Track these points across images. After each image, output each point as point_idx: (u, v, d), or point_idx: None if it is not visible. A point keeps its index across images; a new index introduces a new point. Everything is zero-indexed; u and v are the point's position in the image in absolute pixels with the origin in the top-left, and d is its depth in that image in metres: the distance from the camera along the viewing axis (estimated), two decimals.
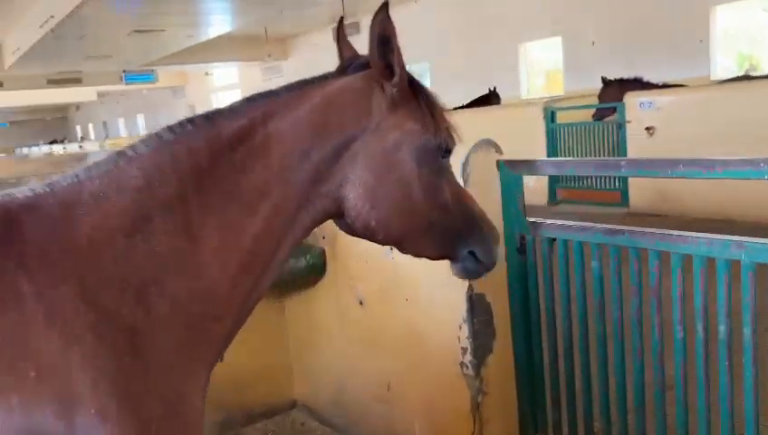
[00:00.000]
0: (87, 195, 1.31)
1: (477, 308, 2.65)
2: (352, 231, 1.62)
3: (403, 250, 1.69)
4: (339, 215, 1.58)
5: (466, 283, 2.61)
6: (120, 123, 39.09)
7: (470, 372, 2.69)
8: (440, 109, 1.62)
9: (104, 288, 1.24)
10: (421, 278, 2.85)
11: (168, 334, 1.29)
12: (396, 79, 1.52)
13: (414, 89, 1.57)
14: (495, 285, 2.69)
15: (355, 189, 1.52)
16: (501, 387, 2.74)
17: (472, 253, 1.69)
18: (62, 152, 20.55)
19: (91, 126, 43.37)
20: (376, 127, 1.52)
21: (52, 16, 14.29)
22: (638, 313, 2.33)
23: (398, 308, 3.03)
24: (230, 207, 1.40)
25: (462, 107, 12.35)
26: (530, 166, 2.64)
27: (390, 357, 3.15)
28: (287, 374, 3.98)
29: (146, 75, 21.34)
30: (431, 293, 2.82)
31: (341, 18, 1.70)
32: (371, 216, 1.54)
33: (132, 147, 1.41)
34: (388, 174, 1.53)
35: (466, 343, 2.67)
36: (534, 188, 9.18)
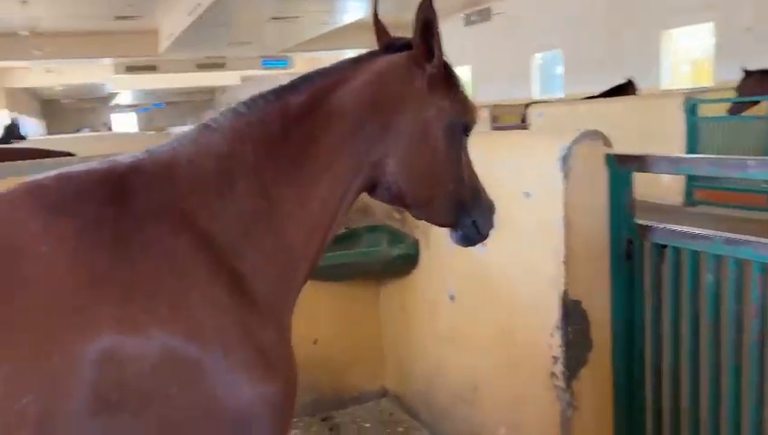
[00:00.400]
0: (182, 159, 1.48)
1: (572, 315, 2.43)
2: (382, 196, 1.75)
3: (419, 214, 1.82)
4: (377, 183, 1.70)
5: (561, 287, 2.40)
6: None
7: (560, 383, 2.48)
8: (465, 91, 1.77)
9: (208, 240, 1.40)
10: (514, 278, 2.68)
11: (264, 280, 1.47)
12: (435, 61, 1.64)
13: (446, 72, 1.69)
14: (594, 291, 2.45)
15: (395, 158, 1.66)
16: (594, 403, 2.50)
17: (474, 223, 1.82)
18: None
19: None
20: (416, 103, 1.65)
21: (199, 4, 15.29)
22: (760, 337, 2.01)
23: (488, 307, 2.87)
24: (299, 173, 1.55)
25: (594, 97, 11.66)
26: (641, 162, 2.36)
27: (478, 357, 3.00)
28: (379, 362, 3.95)
29: (282, 61, 22.29)
30: (523, 294, 2.64)
31: (376, 1, 1.80)
32: (404, 182, 1.68)
33: (214, 120, 1.57)
34: (423, 146, 1.67)
35: (558, 351, 2.46)
36: (669, 186, 8.46)
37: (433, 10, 1.59)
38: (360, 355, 3.91)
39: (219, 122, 1.54)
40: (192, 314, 1.33)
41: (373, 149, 1.63)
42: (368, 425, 3.69)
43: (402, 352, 3.75)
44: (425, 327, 3.44)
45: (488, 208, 1.86)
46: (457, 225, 1.84)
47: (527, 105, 12.84)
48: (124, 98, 41.21)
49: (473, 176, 1.82)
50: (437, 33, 1.62)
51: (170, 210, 1.40)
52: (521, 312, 2.67)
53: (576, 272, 2.41)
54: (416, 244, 3.33)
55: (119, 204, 1.37)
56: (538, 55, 18.39)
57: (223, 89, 41.36)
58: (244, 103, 1.58)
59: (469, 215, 1.81)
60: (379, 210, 3.75)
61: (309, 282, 3.72)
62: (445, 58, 1.67)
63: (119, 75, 24.30)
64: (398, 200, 1.75)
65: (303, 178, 1.56)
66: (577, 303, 2.42)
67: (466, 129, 1.75)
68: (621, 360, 2.48)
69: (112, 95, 39.25)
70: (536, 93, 18.22)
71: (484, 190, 1.85)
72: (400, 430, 3.61)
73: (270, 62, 22.22)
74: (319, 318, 3.74)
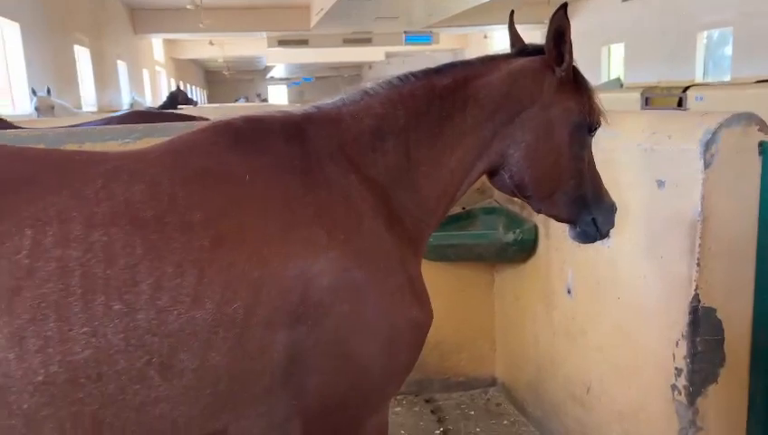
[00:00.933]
0: (346, 115, 1.71)
1: (703, 324, 2.13)
2: (504, 185, 1.90)
3: (539, 207, 1.94)
4: (497, 170, 1.86)
5: (692, 290, 2.11)
6: None
7: (682, 398, 2.19)
8: (593, 94, 1.90)
9: (369, 182, 1.64)
10: (639, 276, 2.40)
11: (407, 223, 1.69)
12: (564, 65, 1.81)
13: (575, 75, 1.86)
14: (734, 298, 2.13)
15: (519, 150, 1.82)
16: (722, 426, 2.19)
17: (594, 220, 1.94)
18: None
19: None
20: (544, 102, 1.81)
21: None
22: None
23: (608, 305, 2.61)
24: (435, 144, 1.76)
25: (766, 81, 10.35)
26: None
27: (593, 357, 2.75)
28: (490, 350, 3.80)
29: (424, 36, 22.13)
30: (649, 295, 2.35)
31: (512, 12, 1.97)
32: (527, 173, 1.83)
33: (372, 87, 1.79)
34: (547, 141, 1.82)
35: (682, 363, 2.18)
36: None
37: (566, 20, 1.76)
38: (471, 341, 3.77)
39: (376, 90, 1.77)
40: (362, 241, 1.55)
41: (500, 137, 1.81)
42: (472, 413, 3.56)
43: (514, 342, 3.57)
44: (539, 319, 3.23)
45: (609, 207, 1.96)
46: (576, 221, 1.96)
47: (686, 88, 11.72)
48: (278, 71, 43.37)
49: (595, 174, 1.94)
50: (569, 41, 1.78)
51: (340, 154, 1.63)
52: (644, 314, 2.39)
53: (712, 275, 2.10)
54: (534, 230, 3.12)
55: (299, 145, 1.59)
56: (704, 33, 16.71)
57: (369, 65, 42.17)
58: (398, 78, 1.79)
59: (589, 212, 1.93)
60: (498, 191, 3.56)
61: (423, 259, 3.62)
62: (574, 64, 1.84)
63: (272, 48, 25.52)
64: (518, 190, 1.88)
65: (438, 147, 1.76)
66: (710, 310, 2.11)
67: (591, 129, 1.88)
68: (762, 380, 2.15)
69: (268, 68, 41.44)
70: (699, 75, 16.60)
71: (605, 190, 1.96)
72: (506, 423, 3.45)
73: (413, 37, 22.15)
74: (432, 296, 3.64)
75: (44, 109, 8.41)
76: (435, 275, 3.55)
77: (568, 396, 2.99)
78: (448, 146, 1.76)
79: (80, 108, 12.60)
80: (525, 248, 3.15)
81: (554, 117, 1.81)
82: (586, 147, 1.88)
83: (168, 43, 28.66)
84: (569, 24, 1.76)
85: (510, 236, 3.12)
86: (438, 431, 3.34)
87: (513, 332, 3.58)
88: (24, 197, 1.25)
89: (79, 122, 5.35)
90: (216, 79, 45.81)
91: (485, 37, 28.28)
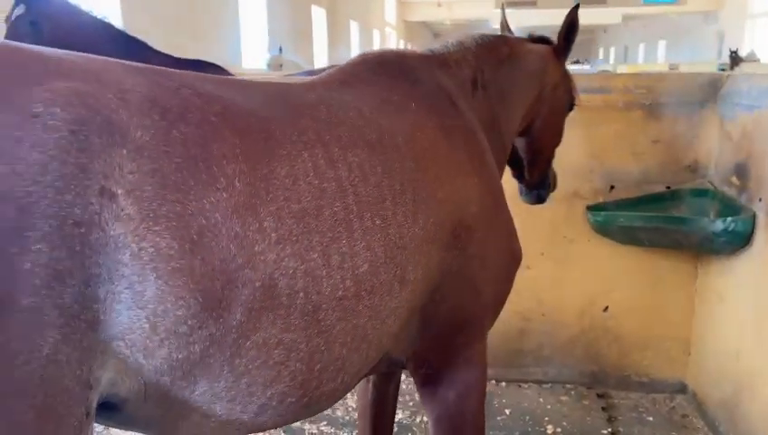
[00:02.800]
0: (452, 61, 1.88)
1: None
2: (521, 149, 2.26)
3: (531, 174, 2.31)
4: (524, 132, 2.21)
5: None
6: (640, 49, 38.10)
7: None
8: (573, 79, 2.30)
9: (469, 123, 1.72)
10: None
11: (492, 161, 1.78)
12: (567, 54, 2.20)
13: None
14: None
15: (540, 120, 2.19)
16: None
17: (548, 186, 2.38)
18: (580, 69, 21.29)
19: (612, 49, 43.59)
20: (554, 82, 2.18)
21: None
22: None
23: None
24: (505, 97, 1.99)
25: None
26: None
27: None
28: (683, 353, 3.30)
29: None
30: None
31: (503, 4, 2.55)
32: (539, 140, 2.23)
33: (461, 40, 1.98)
34: (555, 114, 2.24)
35: None
36: None
37: (578, 19, 2.10)
38: (659, 339, 3.31)
39: (466, 43, 1.97)
40: (488, 172, 1.67)
41: (532, 106, 2.12)
42: (650, 419, 3.15)
43: (713, 347, 3.05)
44: (746, 324, 2.71)
45: (554, 177, 2.42)
46: (540, 186, 2.35)
47: None
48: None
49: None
50: (575, 36, 2.15)
51: (457, 92, 1.77)
52: None
53: None
54: (751, 221, 2.57)
55: (436, 80, 1.72)
56: None
57: (604, 28, 39.33)
58: (478, 36, 2.01)
59: (547, 178, 2.36)
60: (714, 170, 3.01)
61: (608, 241, 3.26)
62: None
63: (500, 10, 25.00)
64: (534, 154, 2.26)
65: (507, 104, 2.00)
66: None
67: (571, 108, 2.31)
68: None
69: (495, 31, 40.79)
70: None
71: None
72: None
73: None
74: (614, 284, 3.27)
75: (274, 66, 9.23)
76: (623, 260, 3.19)
77: None
78: (512, 103, 2.03)
79: (311, 65, 13.59)
80: (736, 241, 2.62)
81: (559, 96, 2.20)
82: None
83: (400, 5, 29.56)
84: (578, 23, 2.12)
85: (718, 225, 2.61)
86: (606, 432, 3.01)
87: (712, 337, 3.06)
88: (278, 123, 1.26)
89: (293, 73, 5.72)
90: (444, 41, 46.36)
91: None
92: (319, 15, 16.61)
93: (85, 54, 1.13)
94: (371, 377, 1.99)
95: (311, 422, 3.09)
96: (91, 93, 1.02)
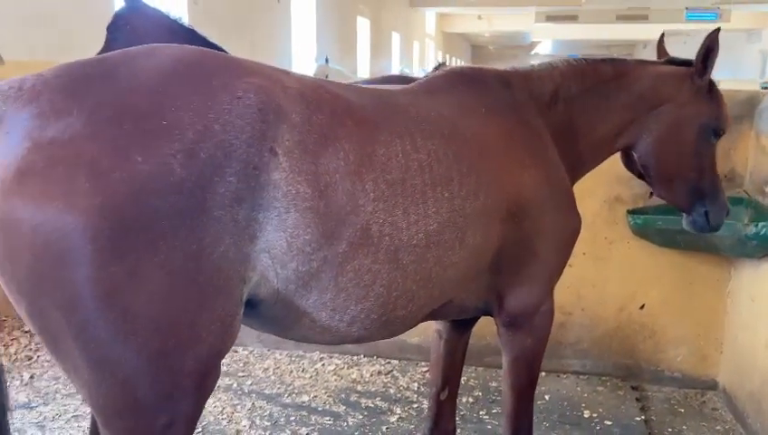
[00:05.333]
0: (535, 76, 2.17)
1: None
2: (632, 164, 2.37)
3: (659, 191, 2.39)
4: (629, 150, 2.33)
5: None
6: None
7: None
8: (724, 105, 2.30)
9: (546, 128, 2.09)
10: None
11: (564, 165, 2.12)
12: (705, 77, 2.24)
13: (711, 87, 2.27)
14: None
15: (650, 135, 2.27)
16: None
17: (706, 213, 2.33)
18: None
19: None
20: (679, 101, 2.24)
21: None
22: None
23: None
24: (593, 115, 2.23)
25: None
26: None
27: None
28: (715, 351, 3.53)
29: (710, 14, 19.75)
30: None
31: (662, 33, 2.60)
32: (652, 156, 2.28)
33: (554, 62, 2.27)
34: (675, 133, 2.25)
35: None
36: None
37: (717, 43, 2.19)
38: (693, 337, 3.54)
39: (557, 64, 2.25)
40: (548, 166, 2.02)
41: (638, 123, 2.25)
42: (682, 410, 3.38)
43: (744, 346, 3.27)
44: None
45: (722, 205, 2.34)
46: (690, 210, 2.35)
47: None
48: (543, 47, 42.50)
49: (714, 173, 2.32)
50: (714, 59, 2.20)
51: (530, 103, 2.10)
52: None
53: None
54: None
55: (507, 91, 2.08)
56: None
57: (644, 43, 39.05)
58: (575, 59, 2.27)
59: (703, 205, 2.31)
60: (749, 180, 3.25)
61: (646, 243, 3.51)
62: (711, 77, 2.26)
63: (539, 24, 25.12)
64: (643, 170, 2.32)
65: (594, 118, 2.23)
66: None
67: (717, 133, 2.28)
68: None
69: (534, 44, 40.88)
70: None
71: (722, 189, 2.34)
72: (719, 428, 3.22)
73: (696, 14, 19.91)
74: (651, 283, 3.52)
75: (320, 75, 9.61)
76: (657, 260, 3.45)
77: None
78: (601, 119, 2.22)
79: (355, 74, 13.99)
80: (767, 245, 2.86)
81: (686, 116, 2.23)
82: (710, 147, 2.28)
83: (440, 17, 29.90)
84: (718, 46, 2.18)
85: (751, 230, 2.86)
86: (639, 419, 3.25)
87: (744, 336, 3.28)
88: (380, 117, 1.71)
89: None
90: (481, 53, 46.53)
91: None
92: (363, 26, 17.06)
93: (259, 63, 1.58)
94: (443, 334, 2.38)
95: (367, 397, 3.40)
96: (269, 87, 1.48)
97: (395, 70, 18.51)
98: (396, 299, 1.68)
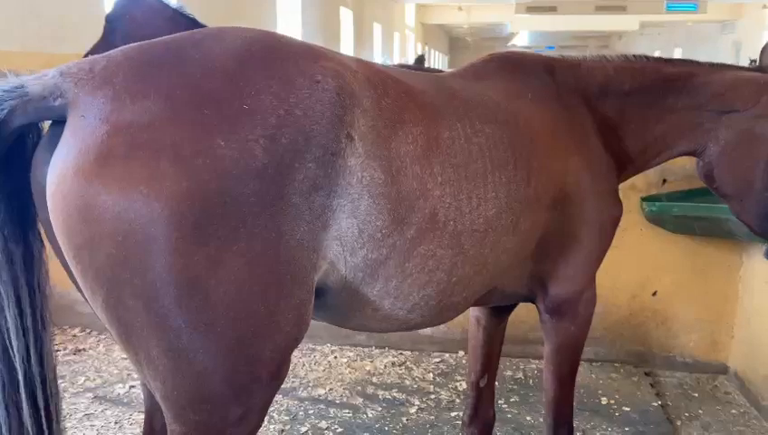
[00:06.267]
0: (584, 67, 2.11)
1: None
2: (699, 171, 2.22)
3: (732, 207, 2.21)
4: (697, 157, 2.20)
5: None
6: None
7: None
8: None
9: (591, 116, 2.05)
10: None
11: (609, 156, 2.09)
12: None
13: None
14: None
15: (717, 144, 2.12)
16: None
17: None
18: None
19: None
20: (755, 112, 2.06)
21: None
22: None
23: None
24: (647, 112, 2.14)
25: None
26: None
27: None
28: (726, 336, 3.57)
29: (689, 4, 20.00)
30: None
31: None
32: (717, 167, 2.13)
33: (611, 56, 2.19)
34: (745, 146, 2.09)
35: None
36: None
37: None
38: (705, 322, 3.58)
39: (614, 58, 2.19)
40: (589, 153, 1.99)
41: (704, 129, 2.12)
42: (696, 395, 3.42)
43: (757, 330, 3.32)
44: None
45: None
46: (765, 234, 2.18)
47: None
48: (521, 39, 42.71)
49: None
50: None
51: (575, 91, 2.06)
52: None
53: None
54: None
55: (552, 77, 2.05)
56: None
57: (619, 35, 39.47)
58: (634, 56, 2.18)
59: None
60: None
61: (658, 231, 3.53)
62: None
63: (518, 15, 25.19)
64: (706, 179, 2.19)
65: (648, 116, 2.13)
66: None
67: None
68: None
69: (512, 35, 41.05)
70: None
71: None
72: (734, 412, 3.26)
73: (675, 5, 20.15)
74: (664, 270, 3.54)
75: None
76: (672, 248, 3.47)
77: None
78: (656, 118, 2.13)
79: None
80: None
81: (760, 128, 2.05)
82: None
83: (420, 8, 29.83)
84: None
85: None
86: (656, 404, 3.28)
87: (756, 321, 3.32)
88: (439, 101, 1.69)
89: None
90: (459, 45, 46.58)
91: (765, 7, 24.60)
92: (347, 17, 16.95)
93: (320, 46, 1.54)
94: (482, 320, 2.37)
95: (383, 389, 3.38)
96: (342, 72, 1.44)
97: (376, 60, 18.45)
98: (454, 285, 1.68)
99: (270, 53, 1.39)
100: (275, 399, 3.24)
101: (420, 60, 14.40)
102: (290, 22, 12.49)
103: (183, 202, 1.19)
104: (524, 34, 39.63)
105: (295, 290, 1.35)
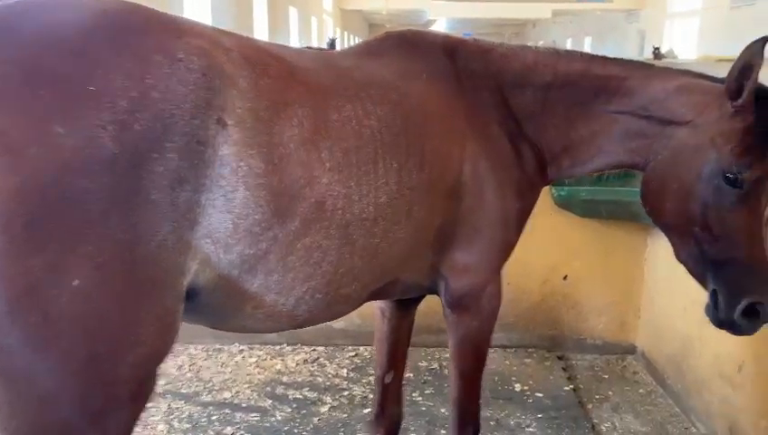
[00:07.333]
0: (497, 52, 1.96)
1: None
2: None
3: (671, 240, 1.91)
4: (635, 168, 1.95)
5: None
6: (567, 44, 39.58)
7: None
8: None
9: (500, 104, 1.91)
10: None
11: (524, 149, 1.95)
12: (739, 102, 1.67)
13: (760, 121, 1.65)
14: None
15: (655, 161, 1.82)
16: None
17: (714, 294, 1.72)
18: None
19: (541, 44, 45.01)
20: (695, 126, 1.74)
21: None
22: None
23: None
24: (573, 108, 1.94)
25: None
26: None
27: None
28: (633, 317, 3.63)
29: None
30: None
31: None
32: (648, 187, 1.86)
33: (536, 46, 2.07)
34: (681, 167, 1.74)
35: None
36: None
37: (759, 58, 1.61)
38: (614, 304, 3.63)
39: (538, 49, 2.03)
40: (487, 141, 1.84)
41: (643, 140, 1.85)
42: (606, 376, 3.46)
43: (661, 310, 3.38)
44: (691, 288, 3.01)
45: (742, 289, 1.65)
46: (701, 283, 1.81)
47: None
48: (438, 26, 43.12)
49: (744, 242, 1.66)
50: (754, 78, 1.63)
51: (482, 75, 1.91)
52: None
53: None
54: None
55: (452, 59, 1.89)
56: None
57: (533, 23, 40.57)
58: (566, 51, 2.01)
59: (715, 281, 1.71)
60: None
61: (567, 215, 3.52)
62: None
63: (437, 2, 25.37)
64: (641, 199, 1.91)
65: (574, 112, 1.94)
66: None
67: (735, 181, 1.65)
68: None
69: (430, 22, 41.40)
70: None
71: (759, 267, 1.66)
72: (641, 392, 3.32)
73: None
74: (574, 254, 3.55)
75: None
76: (579, 230, 3.47)
77: (715, 373, 2.81)
78: (584, 117, 1.93)
79: None
80: None
81: (696, 146, 1.71)
82: (736, 201, 1.65)
83: None
84: (760, 62, 1.61)
85: None
86: (568, 388, 3.29)
87: (661, 301, 3.39)
88: (328, 80, 1.55)
89: None
90: (378, 31, 46.48)
91: None
92: (260, 0, 16.43)
93: (190, 19, 1.38)
94: (386, 312, 2.25)
95: (294, 389, 3.22)
96: (209, 49, 1.28)
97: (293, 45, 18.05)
98: (342, 276, 1.57)
99: (123, 26, 1.21)
100: (176, 406, 3.05)
101: (332, 44, 14.18)
102: (198, 5, 11.94)
103: (12, 199, 1.02)
104: (443, 21, 40.07)
105: (159, 297, 1.21)
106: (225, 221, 1.30)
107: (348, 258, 1.56)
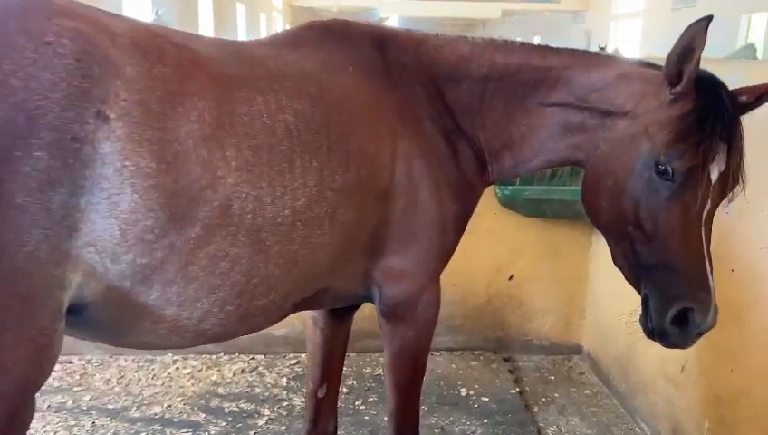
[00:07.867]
0: (430, 43, 1.84)
1: None
2: None
3: (609, 244, 1.75)
4: (576, 165, 1.84)
5: None
6: None
7: None
8: (717, 145, 1.48)
9: (434, 97, 1.80)
10: (758, 249, 2.14)
11: (461, 145, 1.83)
12: (678, 89, 1.54)
13: (705, 109, 1.49)
14: None
15: (595, 156, 1.69)
16: None
17: (646, 300, 1.58)
18: None
19: None
20: (634, 117, 1.61)
21: None
22: None
23: (717, 279, 2.35)
24: (512, 102, 1.81)
25: None
26: None
27: None
28: (578, 317, 3.60)
29: None
30: (766, 270, 2.10)
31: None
32: (585, 184, 1.73)
33: (473, 38, 1.89)
34: (613, 161, 1.61)
35: None
36: None
37: (703, 38, 1.47)
38: (558, 305, 3.59)
39: (475, 40, 1.87)
40: (421, 138, 1.74)
41: (585, 134, 1.72)
42: (552, 378, 3.42)
43: (606, 310, 3.35)
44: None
45: (674, 296, 1.50)
46: (636, 288, 1.66)
47: None
48: (390, 24, 43.16)
49: (672, 236, 1.51)
50: (695, 62, 1.49)
51: (414, 68, 1.79)
52: (759, 289, 2.14)
53: None
54: None
55: (382, 50, 1.77)
56: None
57: (484, 22, 40.94)
58: (504, 40, 1.87)
59: (648, 286, 1.57)
60: None
61: (512, 215, 3.45)
62: (719, 93, 1.51)
63: (388, 0, 25.30)
64: (581, 199, 1.78)
65: (513, 106, 1.80)
66: None
67: (669, 174, 1.50)
68: None
69: (382, 20, 41.31)
70: None
71: (699, 277, 1.50)
72: (587, 392, 3.28)
73: None
74: (519, 253, 3.50)
75: None
76: (527, 232, 3.41)
77: (659, 374, 2.78)
78: (524, 111, 1.80)
79: None
80: None
81: (635, 139, 1.56)
82: (669, 196, 1.50)
83: None
84: (703, 43, 1.47)
85: None
86: (514, 391, 3.23)
87: (606, 302, 3.36)
88: (237, 70, 1.42)
89: None
90: None
91: None
92: None
93: (74, 1, 1.24)
94: (319, 322, 2.10)
95: (230, 401, 3.05)
96: (91, 33, 1.16)
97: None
98: (255, 287, 1.44)
99: None
100: (101, 423, 2.85)
101: None
102: (138, 0, 11.53)
103: None
104: (395, 19, 40.04)
105: (31, 316, 1.07)
106: (110, 227, 1.17)
107: (262, 267, 1.43)
